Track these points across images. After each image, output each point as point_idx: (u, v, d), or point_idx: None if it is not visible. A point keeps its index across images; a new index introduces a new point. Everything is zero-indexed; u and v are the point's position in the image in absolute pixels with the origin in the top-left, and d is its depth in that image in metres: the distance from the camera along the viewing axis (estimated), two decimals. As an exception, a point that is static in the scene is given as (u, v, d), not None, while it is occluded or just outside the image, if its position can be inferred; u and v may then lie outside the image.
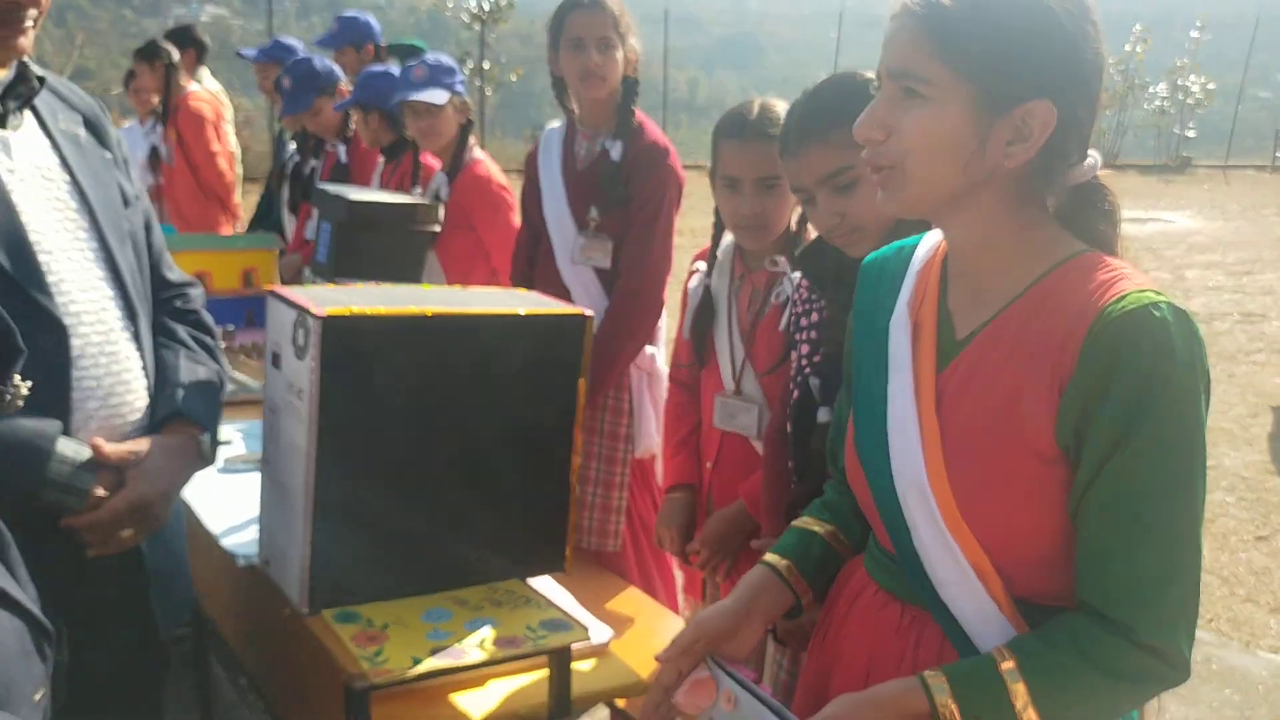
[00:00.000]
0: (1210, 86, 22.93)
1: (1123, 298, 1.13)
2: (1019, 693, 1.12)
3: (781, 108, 2.07)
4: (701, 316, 2.24)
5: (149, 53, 5.71)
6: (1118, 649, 1.12)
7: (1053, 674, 1.14)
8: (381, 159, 3.80)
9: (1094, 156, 1.22)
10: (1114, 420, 1.11)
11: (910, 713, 1.15)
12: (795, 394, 1.90)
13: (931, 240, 1.35)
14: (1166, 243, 12.44)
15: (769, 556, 1.44)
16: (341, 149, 4.13)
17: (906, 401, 1.26)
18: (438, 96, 3.18)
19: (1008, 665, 1.14)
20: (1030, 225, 1.22)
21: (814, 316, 1.89)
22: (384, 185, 3.67)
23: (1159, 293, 1.14)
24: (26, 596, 0.97)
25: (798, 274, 1.99)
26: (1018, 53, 1.14)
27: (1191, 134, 23.00)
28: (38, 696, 0.96)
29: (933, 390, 1.25)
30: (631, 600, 2.23)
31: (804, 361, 1.89)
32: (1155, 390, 1.10)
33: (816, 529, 1.47)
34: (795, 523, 1.51)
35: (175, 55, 5.68)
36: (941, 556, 1.22)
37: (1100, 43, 1.18)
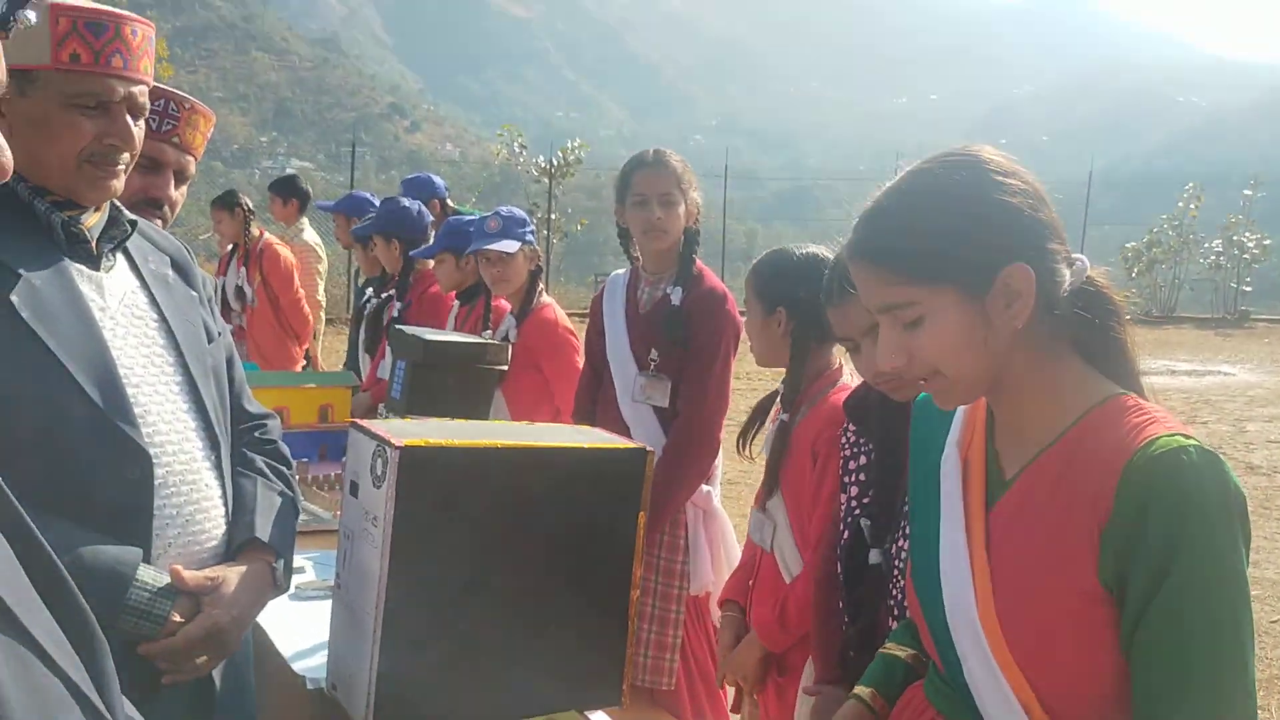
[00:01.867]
0: (1266, 242, 22.90)
1: (1154, 441, 1.18)
2: None
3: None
4: (777, 447, 2.31)
5: (227, 201, 6.09)
6: None
7: None
8: (456, 303, 4.01)
9: (1080, 260, 1.29)
10: (1152, 560, 1.15)
11: None
12: (845, 535, 1.94)
13: None
14: (1226, 395, 12.23)
15: (857, 690, 1.50)
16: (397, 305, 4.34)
17: (958, 539, 1.30)
18: (510, 246, 3.37)
19: None
20: (1059, 366, 1.29)
21: (862, 459, 1.95)
22: (459, 328, 3.84)
23: (1188, 436, 1.19)
24: (104, 705, 1.02)
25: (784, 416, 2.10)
26: (966, 240, 1.23)
27: (1248, 288, 22.86)
28: None
29: (983, 528, 1.29)
30: (686, 739, 2.23)
31: (854, 504, 1.94)
32: (1189, 530, 1.14)
33: (899, 654, 1.52)
34: (881, 650, 1.57)
35: (250, 204, 6.05)
36: (991, 692, 1.24)
37: (1021, 180, 1.26)
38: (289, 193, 6.59)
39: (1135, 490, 1.17)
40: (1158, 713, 1.16)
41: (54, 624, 0.97)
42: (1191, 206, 23.53)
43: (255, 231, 6.04)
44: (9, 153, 0.91)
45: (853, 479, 1.95)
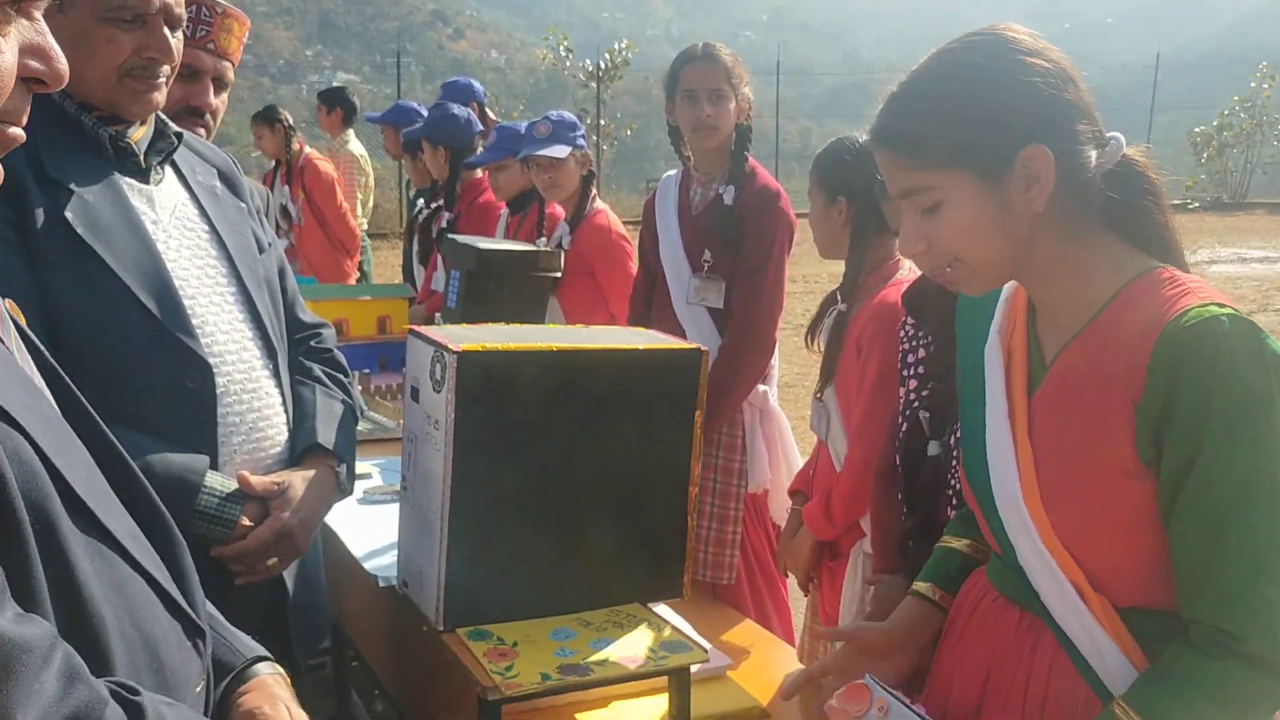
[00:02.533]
0: (1340, 120, 22.07)
1: (1186, 312, 1.17)
2: None
3: None
4: (834, 338, 2.33)
5: (268, 116, 6.09)
6: (1232, 677, 1.14)
7: (1180, 715, 1.16)
8: (506, 211, 4.00)
9: (1116, 138, 1.26)
10: (1186, 431, 1.14)
11: None
12: (904, 428, 1.94)
13: None
14: (1300, 281, 11.92)
15: (916, 585, 1.53)
16: (446, 216, 4.34)
17: (1002, 425, 1.31)
18: (560, 151, 3.34)
19: None
20: (1090, 248, 1.27)
21: (920, 353, 1.94)
22: (511, 235, 3.85)
23: (1222, 305, 1.17)
24: (183, 597, 1.07)
25: (840, 307, 2.10)
26: (981, 122, 1.21)
27: (1323, 172, 22.12)
28: (198, 689, 1.06)
29: (1025, 414, 1.30)
30: (747, 632, 2.28)
31: (912, 396, 1.94)
32: (1221, 395, 1.13)
33: (955, 544, 1.54)
34: (942, 542, 1.59)
35: (289, 119, 6.04)
36: (1042, 573, 1.27)
37: (1046, 58, 1.23)
38: (333, 102, 6.58)
39: (1167, 362, 1.16)
40: (1202, 581, 1.17)
41: (133, 524, 1.02)
42: (1265, 87, 22.64)
43: (296, 146, 6.05)
44: (64, 59, 0.93)
45: (911, 371, 1.95)
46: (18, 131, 0.93)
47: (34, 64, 0.91)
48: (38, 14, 0.91)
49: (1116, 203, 1.26)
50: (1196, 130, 23.13)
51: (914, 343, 1.97)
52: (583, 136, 3.49)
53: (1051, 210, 1.24)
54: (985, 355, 1.37)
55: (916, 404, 1.91)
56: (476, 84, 5.11)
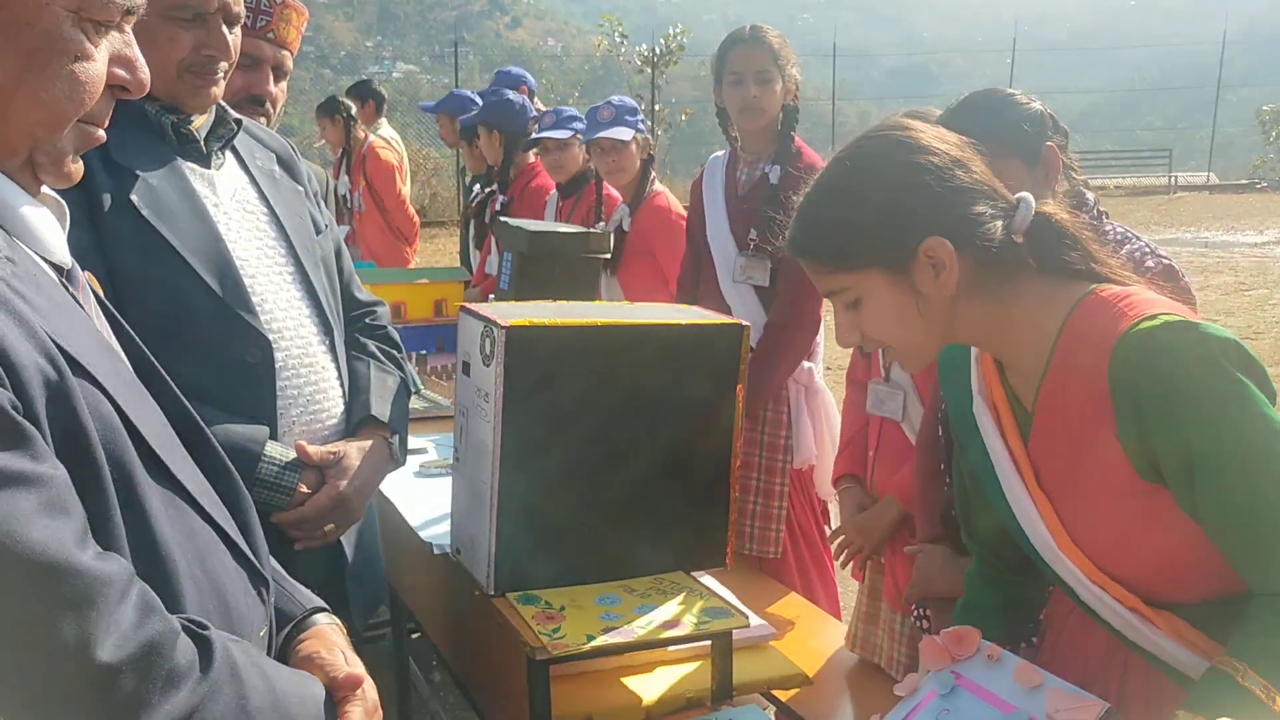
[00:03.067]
0: None
1: (1125, 335, 1.20)
2: (1270, 692, 1.18)
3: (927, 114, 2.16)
4: None
5: (329, 108, 6.20)
6: None
7: None
8: (555, 194, 4.07)
9: (1024, 200, 1.32)
10: (1168, 441, 1.18)
11: None
12: None
13: None
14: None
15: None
16: (500, 199, 4.41)
17: (1014, 482, 1.36)
18: (624, 133, 3.42)
19: (1245, 674, 1.19)
20: (1023, 298, 1.32)
21: None
22: (563, 218, 3.91)
23: (1153, 315, 1.20)
24: (249, 548, 1.14)
25: None
26: (878, 226, 1.29)
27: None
28: (261, 634, 1.13)
29: (1029, 466, 1.35)
30: (793, 604, 2.32)
31: None
32: (1182, 398, 1.17)
33: (993, 596, 1.60)
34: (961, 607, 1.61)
35: (353, 109, 6.14)
36: (1101, 606, 1.30)
37: (934, 153, 1.29)
38: (363, 96, 6.67)
39: (1124, 387, 1.20)
40: (1248, 562, 1.20)
41: (202, 478, 1.09)
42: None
43: (361, 135, 6.15)
44: (147, 70, 1.01)
45: None
46: (100, 133, 1.02)
47: (120, 72, 1.00)
48: (128, 26, 0.99)
49: (1035, 253, 1.32)
50: (1265, 109, 22.50)
51: None
52: (642, 120, 3.55)
53: (971, 282, 1.30)
54: (975, 414, 1.43)
55: None
56: (527, 74, 5.18)
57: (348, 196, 6.12)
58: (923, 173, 1.29)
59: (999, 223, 1.31)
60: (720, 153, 3.00)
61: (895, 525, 2.21)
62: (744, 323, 1.82)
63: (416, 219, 6.25)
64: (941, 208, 1.29)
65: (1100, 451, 1.24)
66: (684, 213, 3.49)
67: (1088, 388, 1.24)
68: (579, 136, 3.81)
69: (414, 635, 2.83)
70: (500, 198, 4.39)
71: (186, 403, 1.16)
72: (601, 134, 3.47)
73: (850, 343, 1.39)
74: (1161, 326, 1.20)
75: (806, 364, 2.78)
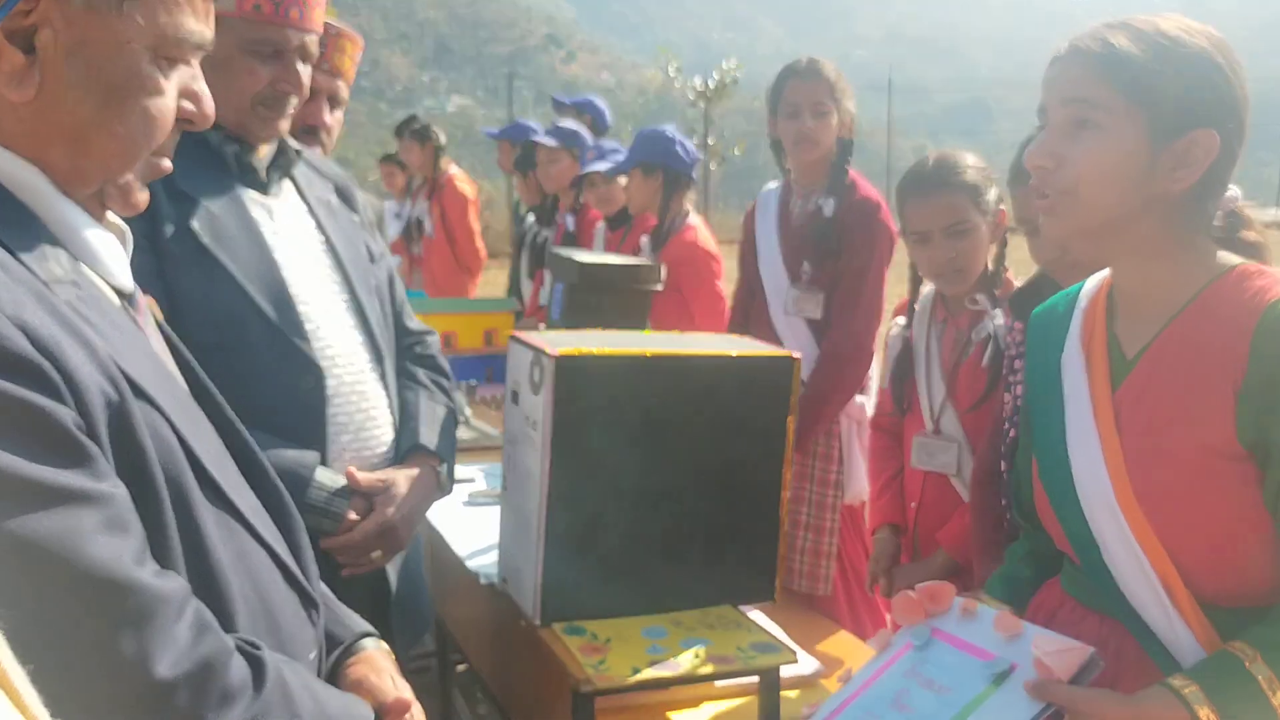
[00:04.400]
0: None
1: None
2: (1273, 684, 1.16)
3: (961, 157, 2.15)
4: (900, 365, 2.32)
5: (422, 135, 6.28)
6: None
7: None
8: (603, 224, 4.09)
9: (1233, 189, 1.29)
10: None
11: None
12: (1011, 434, 1.93)
13: (1096, 280, 1.42)
14: None
15: (990, 602, 1.53)
16: (569, 219, 4.44)
17: (1086, 425, 1.32)
18: (603, 166, 3.59)
19: (1254, 662, 1.17)
20: (1187, 245, 1.29)
21: None
22: (615, 249, 3.93)
23: None
24: (300, 570, 1.15)
25: (999, 312, 2.04)
26: (1187, 84, 1.22)
27: None
28: (311, 656, 1.14)
29: (1110, 410, 1.31)
30: (842, 642, 2.27)
31: (1019, 402, 1.92)
32: None
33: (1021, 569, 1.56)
34: (1000, 571, 1.58)
35: (443, 138, 6.23)
36: (1130, 569, 1.26)
37: (1245, 82, 1.25)
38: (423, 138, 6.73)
39: (1269, 344, 1.17)
40: None
41: (255, 500, 1.10)
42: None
43: (444, 165, 6.23)
44: (212, 102, 1.04)
45: (1018, 378, 1.94)
46: (167, 163, 1.05)
47: (188, 105, 1.03)
48: (195, 60, 1.02)
49: (1221, 232, 1.30)
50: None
51: (1020, 348, 1.96)
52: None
53: (1175, 202, 1.26)
54: (1063, 362, 1.38)
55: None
56: (598, 102, 5.24)
57: (423, 222, 6.20)
58: (1242, 79, 1.26)
59: (1227, 179, 1.28)
60: (774, 184, 2.99)
61: (942, 577, 2.17)
62: (795, 354, 1.80)
63: (484, 254, 6.32)
64: (1237, 117, 1.25)
65: (1208, 405, 1.21)
66: (714, 249, 3.49)
67: (1222, 340, 1.21)
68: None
69: (460, 666, 2.82)
70: (565, 225, 4.43)
71: (241, 426, 1.17)
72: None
73: (1038, 164, 1.29)
74: None
75: (859, 398, 2.75)
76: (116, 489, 0.88)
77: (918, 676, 1.29)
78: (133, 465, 0.92)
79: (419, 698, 1.23)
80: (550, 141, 4.45)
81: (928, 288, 2.34)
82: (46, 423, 0.83)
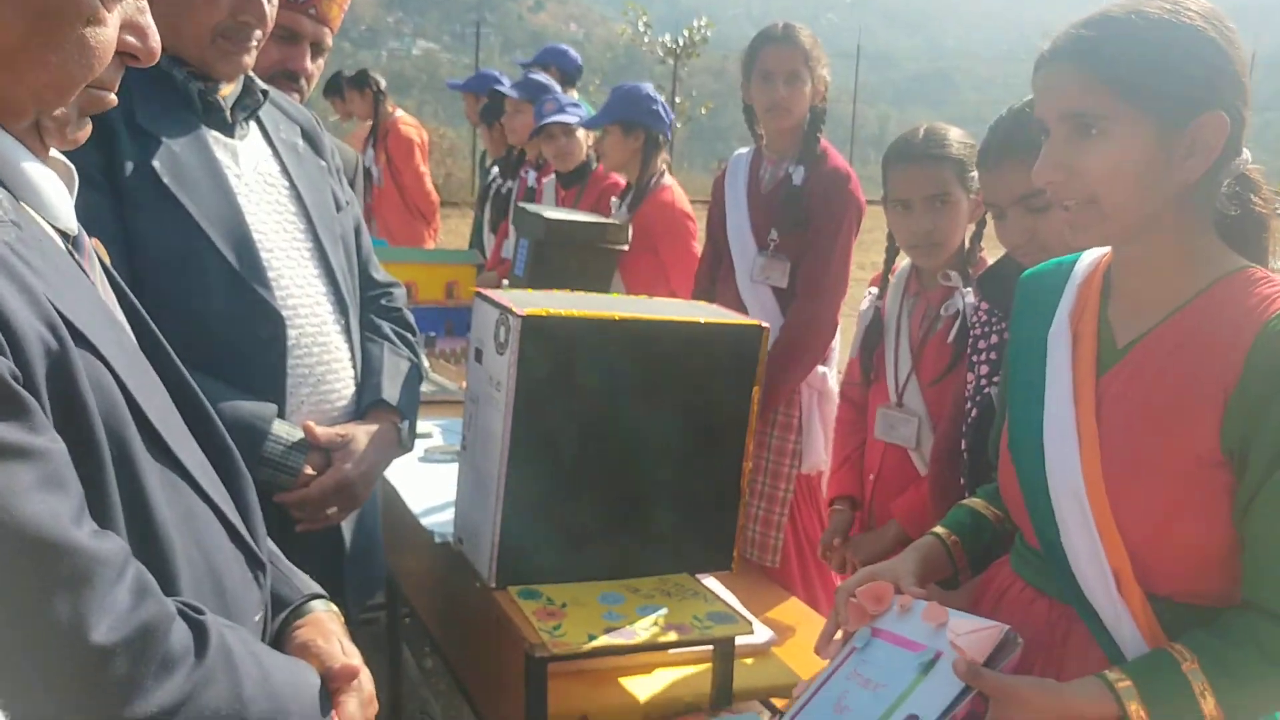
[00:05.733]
0: None
1: None
2: (1205, 692, 1.16)
3: (950, 131, 2.13)
4: (870, 336, 2.32)
5: (360, 81, 6.15)
6: None
7: (1234, 671, 1.17)
8: (553, 179, 4.06)
9: (1244, 151, 1.26)
10: (1277, 431, 1.14)
11: (1097, 716, 1.19)
12: (974, 413, 1.93)
13: (1094, 255, 1.40)
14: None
15: (938, 529, 1.53)
16: (532, 174, 4.38)
17: (1065, 407, 1.31)
18: (569, 119, 3.57)
19: (1190, 666, 1.18)
20: (1193, 237, 1.27)
21: (993, 339, 1.93)
22: (568, 207, 3.89)
23: None
24: (247, 530, 1.11)
25: (970, 290, 2.04)
26: (1184, 70, 1.19)
27: None
28: (257, 618, 1.11)
29: (1092, 396, 1.30)
30: (794, 610, 2.29)
31: (984, 382, 1.93)
32: None
33: (986, 514, 1.54)
34: (967, 501, 1.58)
35: (383, 83, 6.09)
36: (1086, 556, 1.27)
37: (1241, 46, 1.23)
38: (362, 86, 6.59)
39: (1264, 359, 1.16)
40: (1262, 577, 1.18)
41: (203, 456, 1.07)
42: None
43: (390, 109, 6.10)
44: (158, 37, 0.98)
45: (982, 357, 1.94)
46: (111, 97, 0.99)
47: (131, 40, 0.97)
48: None
49: (1232, 202, 1.26)
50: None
51: (986, 328, 1.96)
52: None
53: (1189, 189, 1.23)
54: (1050, 339, 1.37)
55: (987, 389, 1.90)
56: (572, 51, 5.13)
57: (371, 171, 6.09)
58: (1236, 48, 1.22)
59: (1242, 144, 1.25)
60: (744, 150, 2.97)
61: (894, 549, 2.19)
62: (764, 324, 1.79)
63: (435, 198, 6.20)
64: (1235, 90, 1.22)
65: (1196, 407, 1.20)
66: (689, 210, 3.46)
67: (1219, 345, 1.20)
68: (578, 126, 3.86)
69: (407, 619, 2.80)
70: (528, 180, 4.37)
71: (190, 379, 1.13)
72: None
73: (1050, 180, 1.26)
74: None
75: (821, 369, 2.75)
76: (54, 444, 0.83)
77: (857, 677, 1.31)
78: (72, 418, 0.87)
79: (366, 650, 1.21)
80: (516, 94, 4.40)
81: (904, 261, 2.33)
82: None
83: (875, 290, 2.36)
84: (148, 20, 0.98)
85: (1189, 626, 1.23)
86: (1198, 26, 1.20)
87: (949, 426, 2.04)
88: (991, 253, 2.06)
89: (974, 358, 1.96)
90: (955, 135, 2.17)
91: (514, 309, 1.64)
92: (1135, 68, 1.20)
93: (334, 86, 6.30)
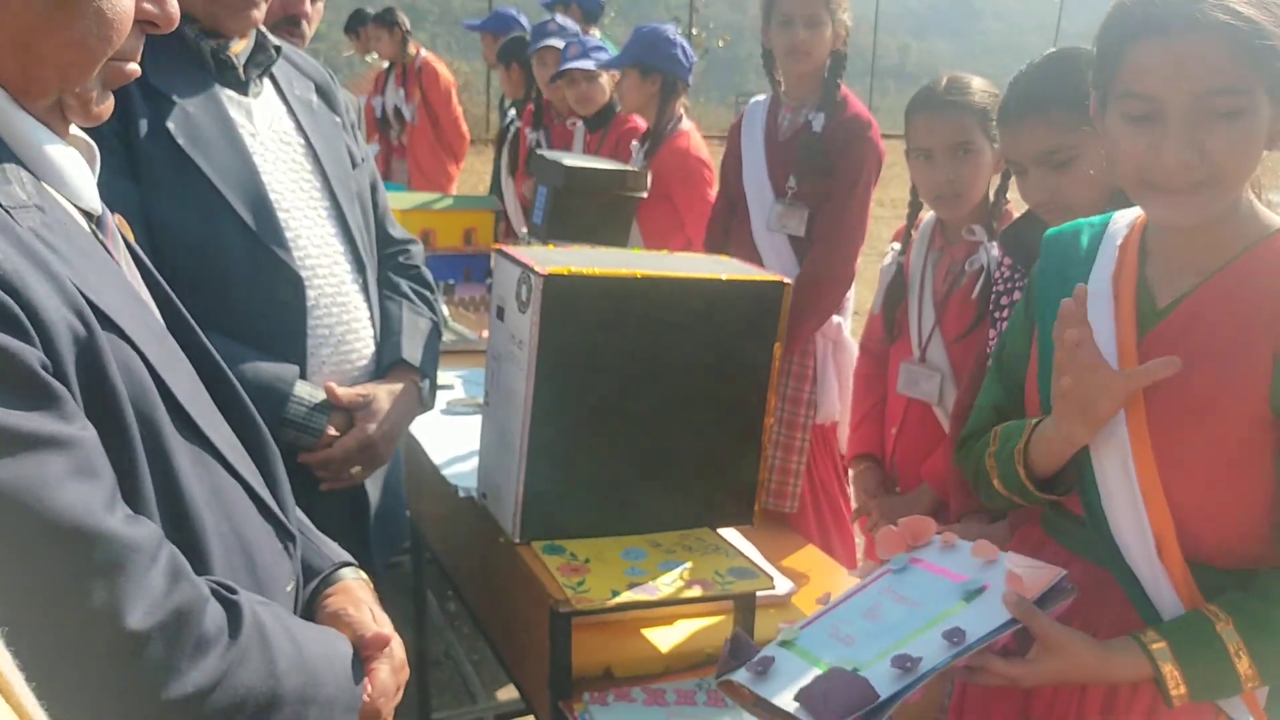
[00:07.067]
0: None
1: None
2: (1240, 651, 1.18)
3: (973, 80, 2.10)
4: (893, 293, 2.30)
5: (387, 19, 6.10)
6: None
7: (1271, 630, 1.19)
8: (582, 126, 4.00)
9: None
10: None
11: (1131, 677, 1.22)
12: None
13: (1130, 215, 1.38)
14: None
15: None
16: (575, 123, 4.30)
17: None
18: (588, 65, 3.60)
19: (1225, 626, 1.19)
20: (1238, 201, 1.26)
21: (1015, 295, 1.92)
22: (594, 152, 3.85)
23: None
24: (275, 503, 1.13)
25: (994, 245, 2.02)
26: None
27: None
28: (289, 589, 1.13)
29: (1135, 358, 1.29)
30: (810, 558, 2.32)
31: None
32: None
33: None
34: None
35: (407, 22, 6.06)
36: (1128, 519, 1.27)
37: None
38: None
39: None
40: None
41: (231, 432, 1.08)
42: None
43: (412, 50, 6.07)
44: (176, 3, 0.97)
45: (1005, 314, 1.93)
46: (134, 67, 0.98)
47: (149, 7, 0.96)
48: None
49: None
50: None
51: (1008, 284, 1.95)
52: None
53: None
54: (1090, 299, 1.34)
55: None
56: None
57: (400, 109, 6.06)
58: None
59: None
60: (761, 96, 2.93)
61: (928, 514, 2.18)
62: (786, 280, 1.78)
63: (468, 135, 6.22)
64: None
65: (1245, 366, 1.21)
66: (706, 156, 3.42)
67: (1265, 304, 1.21)
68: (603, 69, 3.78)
69: (430, 562, 2.85)
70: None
71: (215, 353, 1.14)
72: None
73: (1187, 163, 1.19)
74: None
75: (836, 318, 2.74)
76: (85, 431, 0.84)
77: (891, 594, 1.32)
78: (103, 404, 0.88)
79: (390, 593, 1.22)
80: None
81: (928, 215, 2.31)
82: (11, 364, 0.79)
83: (898, 246, 2.35)
84: None
85: (1227, 591, 1.24)
86: None
87: (969, 385, 2.04)
88: (1017, 206, 2.04)
89: (996, 314, 1.95)
90: (978, 84, 2.14)
91: (536, 267, 1.64)
92: (1269, 40, 1.15)
93: (356, 22, 6.26)
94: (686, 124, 3.48)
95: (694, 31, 20.34)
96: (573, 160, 3.16)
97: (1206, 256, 1.27)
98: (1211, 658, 1.19)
